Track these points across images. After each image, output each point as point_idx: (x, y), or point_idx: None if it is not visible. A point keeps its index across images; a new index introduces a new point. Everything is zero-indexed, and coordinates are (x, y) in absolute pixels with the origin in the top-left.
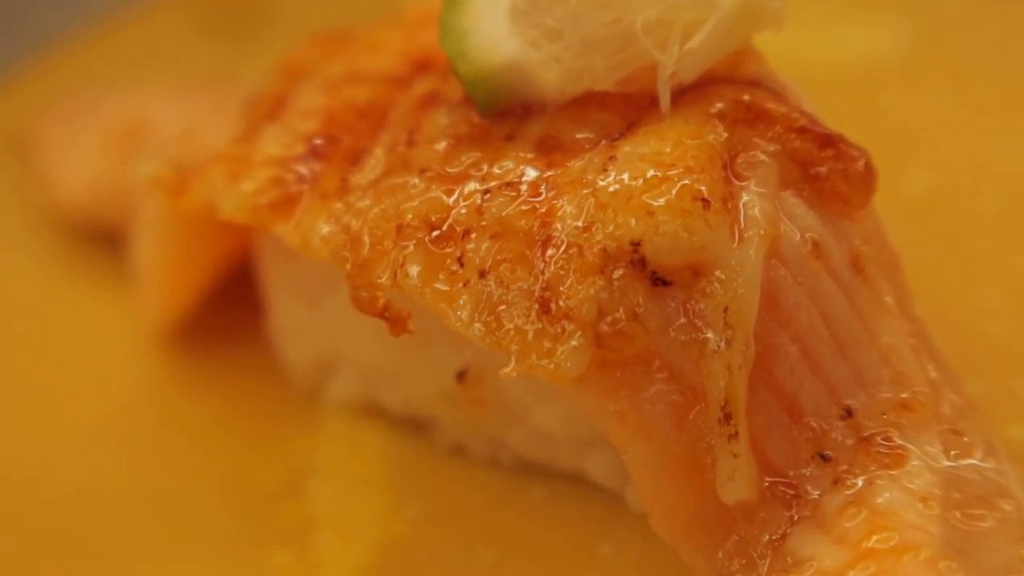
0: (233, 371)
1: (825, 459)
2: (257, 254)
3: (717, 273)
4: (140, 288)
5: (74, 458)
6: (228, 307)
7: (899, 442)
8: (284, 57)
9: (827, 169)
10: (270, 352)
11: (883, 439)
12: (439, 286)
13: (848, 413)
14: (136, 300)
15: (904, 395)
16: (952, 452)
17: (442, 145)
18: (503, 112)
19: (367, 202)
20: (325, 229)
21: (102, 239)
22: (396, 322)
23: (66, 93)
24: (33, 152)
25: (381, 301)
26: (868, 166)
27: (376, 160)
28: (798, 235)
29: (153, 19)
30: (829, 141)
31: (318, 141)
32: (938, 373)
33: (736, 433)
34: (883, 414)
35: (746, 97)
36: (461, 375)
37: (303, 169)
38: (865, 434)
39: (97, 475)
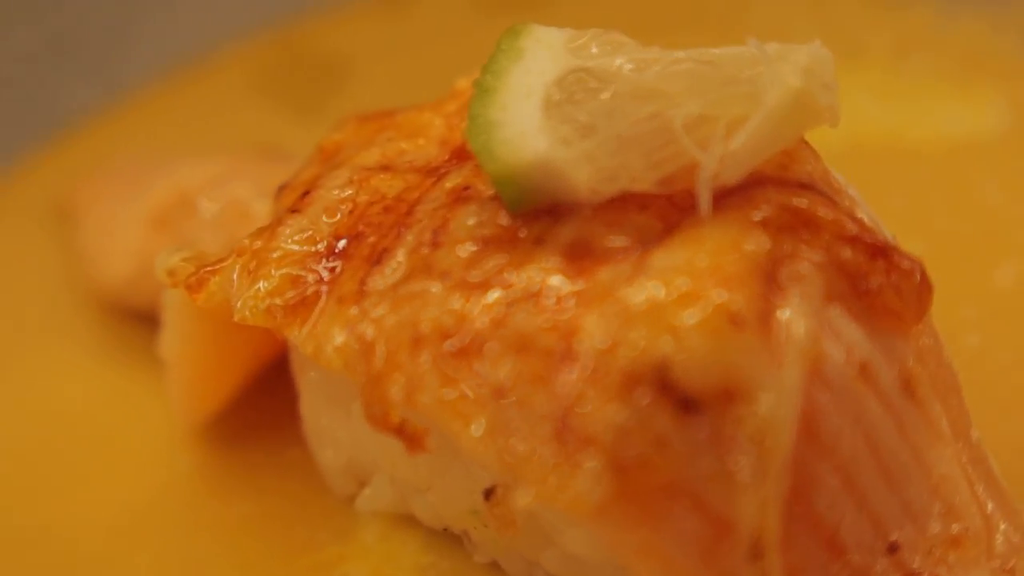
0: (268, 469)
1: None
2: (290, 349)
3: (751, 398)
4: (168, 383)
5: (93, 557)
6: (269, 400)
7: None
8: (323, 138)
9: (878, 282)
10: (307, 452)
11: None
12: (453, 405)
13: (893, 548)
14: (167, 393)
15: (955, 529)
16: None
17: (467, 248)
18: (534, 212)
19: (384, 310)
20: (339, 338)
21: (144, 318)
22: (412, 440)
23: (115, 157)
24: (76, 223)
25: (396, 418)
26: (923, 278)
27: (398, 262)
28: (844, 355)
29: (212, 79)
30: (881, 252)
31: (341, 238)
32: (994, 505)
33: (768, 571)
34: (931, 550)
35: (793, 201)
36: (489, 493)
37: (322, 268)
38: (910, 571)
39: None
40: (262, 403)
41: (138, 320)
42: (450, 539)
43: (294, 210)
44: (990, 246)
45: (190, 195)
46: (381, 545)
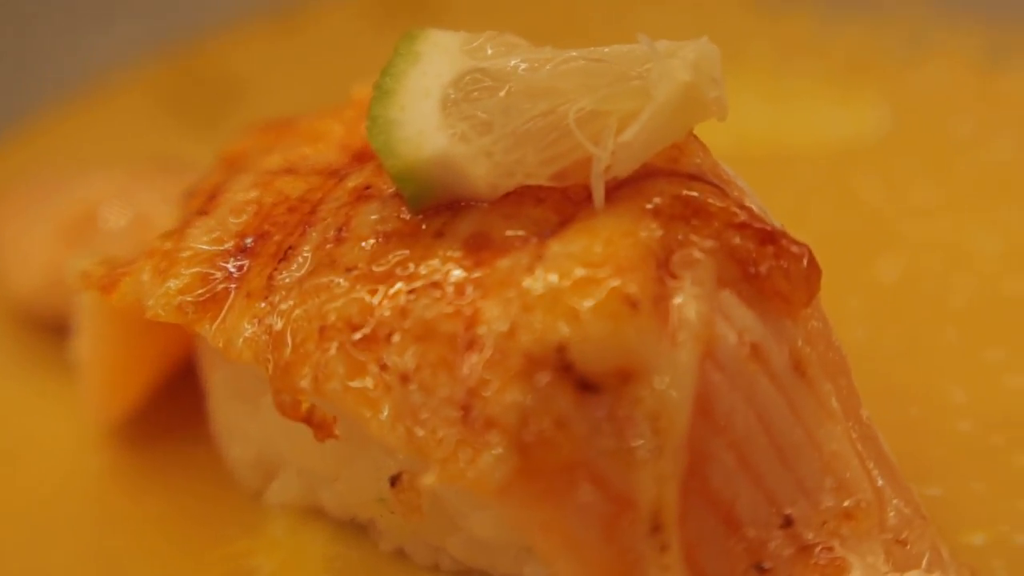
0: (176, 468)
1: (763, 570)
2: (198, 350)
3: (647, 379)
4: (82, 384)
5: (5, 554)
6: (174, 401)
7: (840, 553)
8: (226, 146)
9: (767, 267)
10: (215, 450)
11: (824, 549)
12: (360, 391)
13: (788, 522)
14: (79, 395)
15: (847, 503)
16: (895, 563)
17: (370, 243)
18: (434, 208)
19: (291, 302)
20: (248, 330)
21: (53, 329)
22: (321, 427)
23: (26, 176)
24: None
25: (304, 406)
26: (811, 263)
27: (303, 258)
28: (736, 337)
29: (112, 101)
30: (770, 237)
31: (248, 237)
32: (885, 480)
33: (667, 545)
34: (824, 523)
35: (684, 192)
36: (395, 480)
37: (231, 266)
38: (805, 544)
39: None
40: (168, 405)
41: (47, 331)
42: (357, 530)
43: (201, 212)
44: (873, 242)
45: (95, 207)
46: (289, 538)
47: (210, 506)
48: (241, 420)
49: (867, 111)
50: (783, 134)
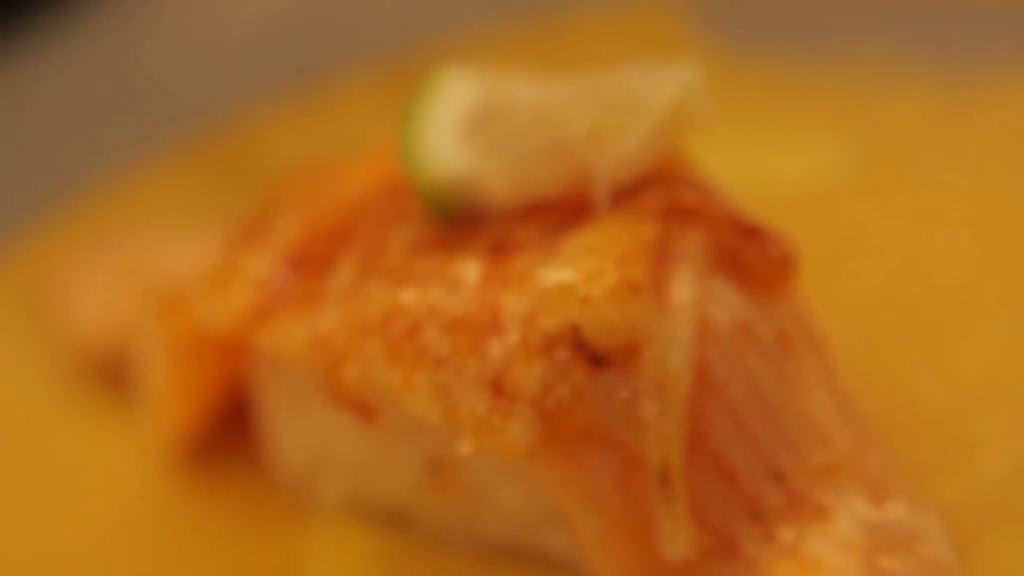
0: (232, 487)
1: (759, 518)
2: (250, 372)
3: (651, 352)
4: (148, 414)
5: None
6: (226, 429)
7: (826, 500)
8: (267, 191)
9: (751, 257)
10: (264, 468)
11: (811, 498)
12: (400, 377)
13: (779, 476)
14: (148, 422)
15: (830, 457)
16: (877, 505)
17: (403, 254)
18: (459, 221)
19: (336, 309)
20: (299, 334)
21: (113, 376)
22: (368, 413)
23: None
24: (53, 295)
25: (352, 395)
26: (787, 252)
27: (345, 271)
28: (727, 317)
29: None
30: (753, 231)
31: (294, 259)
32: (863, 437)
33: (674, 497)
34: (813, 475)
35: (677, 195)
36: (435, 465)
37: (280, 284)
38: (795, 494)
39: None
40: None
41: (106, 373)
42: (401, 524)
43: (250, 243)
44: (840, 259)
45: (148, 258)
46: (336, 535)
47: (263, 513)
48: (292, 426)
49: (831, 152)
50: (747, 177)
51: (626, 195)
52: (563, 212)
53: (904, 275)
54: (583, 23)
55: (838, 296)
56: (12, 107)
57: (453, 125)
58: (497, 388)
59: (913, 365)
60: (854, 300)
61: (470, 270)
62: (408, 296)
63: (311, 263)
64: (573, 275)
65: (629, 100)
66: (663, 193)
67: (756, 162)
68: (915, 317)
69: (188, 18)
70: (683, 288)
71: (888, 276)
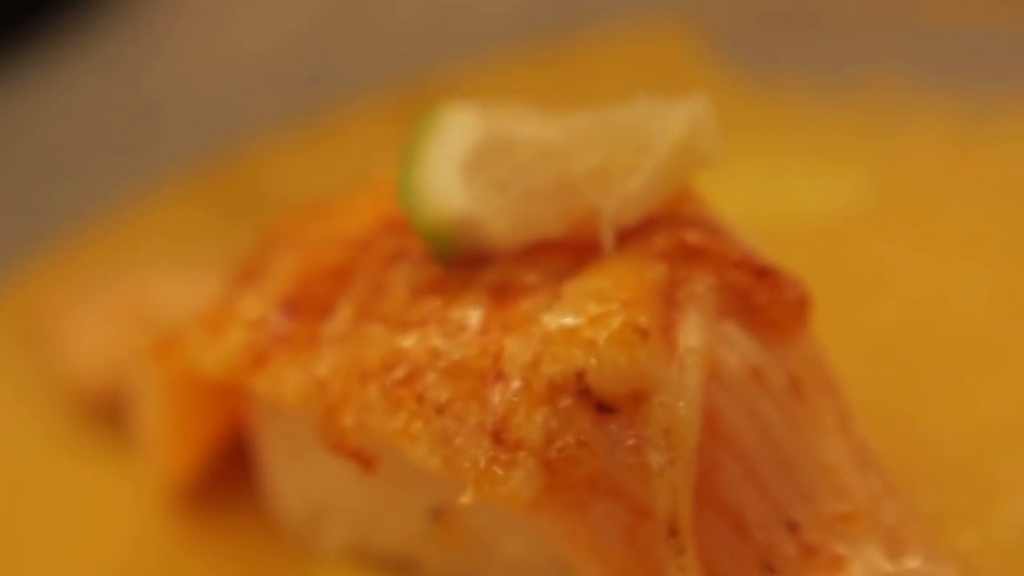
0: (232, 530)
1: (772, 570)
2: (248, 415)
3: (658, 399)
4: (144, 454)
5: None
6: (226, 470)
7: (841, 552)
8: (266, 228)
9: (764, 299)
10: (265, 510)
11: (826, 549)
12: (400, 425)
13: (792, 526)
14: (143, 463)
15: (845, 507)
16: (893, 557)
17: (403, 296)
18: (460, 262)
19: (334, 352)
20: (296, 379)
21: (110, 415)
22: (367, 462)
23: (77, 276)
24: (48, 332)
25: (350, 443)
26: (802, 294)
27: (343, 315)
28: (738, 361)
29: (164, 207)
30: (765, 272)
31: (291, 301)
32: (879, 485)
33: (683, 548)
34: (827, 526)
35: (685, 235)
36: (437, 512)
37: (276, 326)
38: (809, 545)
39: None
40: (221, 474)
41: (103, 412)
42: (405, 573)
43: (247, 283)
44: (858, 296)
45: (146, 295)
46: None
47: (262, 559)
48: (291, 473)
49: (849, 184)
50: (763, 210)
51: (632, 235)
52: (567, 253)
53: (922, 313)
54: (595, 48)
55: (853, 335)
56: (12, 136)
57: (455, 163)
58: (499, 436)
59: (931, 407)
60: (870, 339)
61: (471, 314)
62: (407, 341)
63: (308, 305)
64: (577, 319)
65: (637, 137)
66: (671, 233)
67: (770, 193)
68: (933, 357)
69: (191, 48)
70: (691, 332)
71: (905, 314)
